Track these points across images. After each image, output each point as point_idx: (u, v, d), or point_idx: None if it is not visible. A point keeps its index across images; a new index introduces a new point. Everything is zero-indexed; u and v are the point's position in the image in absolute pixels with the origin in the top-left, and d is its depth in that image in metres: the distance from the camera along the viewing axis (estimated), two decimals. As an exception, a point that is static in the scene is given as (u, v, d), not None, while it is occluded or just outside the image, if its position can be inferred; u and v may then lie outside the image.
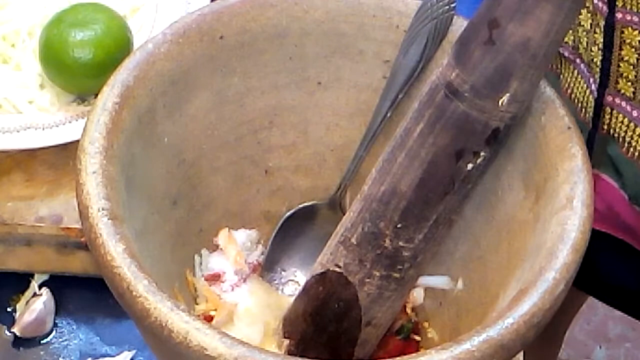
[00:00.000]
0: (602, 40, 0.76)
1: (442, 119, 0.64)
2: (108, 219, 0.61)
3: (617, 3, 0.73)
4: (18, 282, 0.84)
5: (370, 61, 0.76)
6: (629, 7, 0.72)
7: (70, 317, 0.83)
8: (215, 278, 0.76)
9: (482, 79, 0.62)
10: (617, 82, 0.77)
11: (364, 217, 0.68)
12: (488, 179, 0.70)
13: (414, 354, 0.56)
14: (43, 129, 0.86)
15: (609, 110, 0.79)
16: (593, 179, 0.65)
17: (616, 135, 0.79)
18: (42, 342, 0.82)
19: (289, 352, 0.73)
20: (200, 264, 0.77)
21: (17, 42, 0.92)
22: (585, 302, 1.28)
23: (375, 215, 0.67)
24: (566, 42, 0.82)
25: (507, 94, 0.62)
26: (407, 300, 0.76)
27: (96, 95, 0.68)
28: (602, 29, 0.75)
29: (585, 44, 0.79)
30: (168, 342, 0.56)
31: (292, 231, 0.79)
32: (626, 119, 0.78)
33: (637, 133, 0.78)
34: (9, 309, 0.83)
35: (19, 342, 0.81)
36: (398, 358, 0.56)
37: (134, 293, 0.58)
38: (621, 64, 0.75)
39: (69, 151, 0.84)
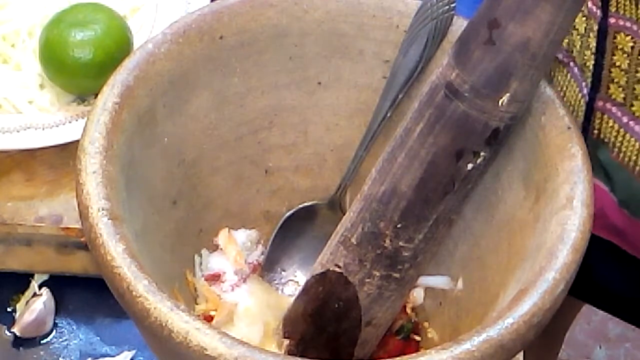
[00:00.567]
0: (595, 44, 0.76)
1: (442, 119, 0.64)
2: (108, 219, 0.61)
3: (610, 8, 0.73)
4: (18, 282, 0.84)
5: (370, 61, 0.76)
6: (622, 12, 0.72)
7: (70, 317, 0.83)
8: (215, 278, 0.76)
9: (482, 79, 0.62)
10: (608, 88, 0.77)
11: (364, 217, 0.68)
12: (488, 179, 0.70)
13: (414, 354, 0.56)
14: (43, 129, 0.86)
15: (600, 115, 0.79)
16: None
17: (606, 140, 0.79)
18: (42, 342, 0.82)
19: (289, 352, 0.73)
20: (200, 264, 0.77)
21: (17, 42, 0.92)
22: (585, 303, 1.28)
23: (375, 215, 0.67)
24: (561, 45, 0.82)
25: (507, 94, 0.62)
26: (407, 300, 0.76)
27: (96, 95, 0.68)
28: (596, 34, 0.75)
29: (579, 47, 0.79)
30: (168, 342, 0.56)
31: (292, 231, 0.79)
32: (616, 125, 0.78)
33: (627, 139, 0.77)
34: (9, 309, 0.83)
35: (19, 342, 0.81)
36: (398, 358, 0.56)
37: (134, 293, 0.58)
38: (613, 70, 0.75)
39: (69, 151, 0.84)
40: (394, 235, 0.67)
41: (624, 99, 0.76)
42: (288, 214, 0.79)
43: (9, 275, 0.84)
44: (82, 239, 0.80)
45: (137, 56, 0.70)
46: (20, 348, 0.81)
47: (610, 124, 0.78)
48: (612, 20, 0.73)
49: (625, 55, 0.74)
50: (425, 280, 0.76)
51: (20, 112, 0.88)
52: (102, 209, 0.61)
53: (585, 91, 0.79)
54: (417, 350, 0.76)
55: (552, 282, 0.59)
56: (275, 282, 0.79)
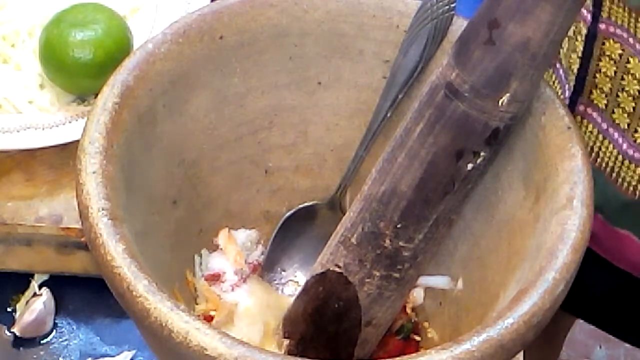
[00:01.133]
0: (581, 48, 0.75)
1: (442, 119, 0.64)
2: (108, 219, 0.61)
3: (602, 14, 0.72)
4: (18, 282, 0.84)
5: (370, 61, 0.76)
6: (613, 19, 0.72)
7: (70, 317, 0.83)
8: (215, 278, 0.76)
9: (482, 79, 0.62)
10: (591, 93, 0.76)
11: (364, 217, 0.68)
12: (488, 179, 0.70)
13: (414, 354, 0.56)
14: (43, 129, 0.86)
15: (580, 119, 0.79)
16: None
17: (587, 145, 0.79)
18: (42, 342, 0.82)
19: (289, 352, 0.73)
20: (200, 264, 0.77)
21: (17, 42, 0.92)
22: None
23: (375, 215, 0.67)
24: None
25: (507, 94, 0.62)
26: (407, 300, 0.76)
27: (96, 95, 0.68)
28: (584, 38, 0.75)
29: (565, 49, 0.78)
30: (168, 342, 0.56)
31: (292, 231, 0.79)
32: (596, 130, 0.78)
33: (605, 145, 0.77)
34: (9, 309, 0.83)
35: (19, 342, 0.81)
36: (398, 358, 0.56)
37: (134, 293, 0.58)
38: (598, 75, 0.75)
39: (69, 151, 0.84)
40: (394, 235, 0.67)
41: (606, 105, 0.76)
42: (288, 214, 0.79)
43: (9, 275, 0.84)
44: (82, 239, 0.80)
45: (137, 56, 0.70)
46: (20, 348, 0.81)
47: (590, 129, 0.78)
48: (602, 26, 0.73)
49: (612, 62, 0.73)
50: (425, 280, 0.76)
51: (20, 112, 0.88)
52: (102, 209, 0.61)
53: (567, 94, 0.79)
54: (417, 350, 0.76)
55: (552, 282, 0.59)
56: (275, 282, 0.79)
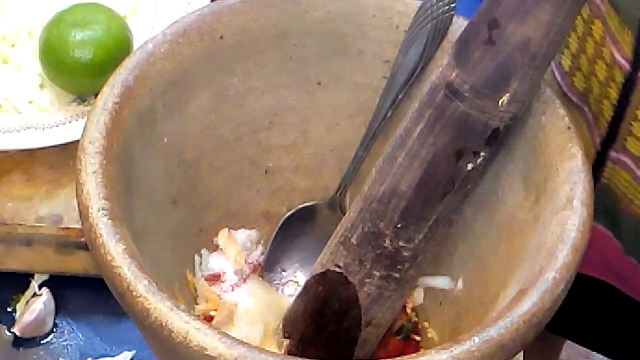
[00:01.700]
0: (616, 95, 0.74)
1: (442, 119, 0.64)
2: (108, 219, 0.61)
3: None
4: (18, 282, 0.84)
5: (370, 61, 0.76)
6: None
7: (70, 317, 0.83)
8: (215, 278, 0.76)
9: (482, 79, 0.62)
10: (625, 140, 0.75)
11: (364, 217, 0.68)
12: (488, 179, 0.70)
13: (414, 354, 0.56)
14: (43, 129, 0.86)
15: (611, 165, 0.77)
16: None
17: (616, 189, 0.78)
18: (42, 342, 0.82)
19: (289, 352, 0.73)
20: (200, 264, 0.77)
21: (17, 42, 0.92)
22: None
23: (375, 215, 0.67)
24: (576, 88, 0.80)
25: (507, 94, 0.62)
26: (407, 300, 0.76)
27: (96, 95, 0.68)
28: (620, 85, 0.73)
29: (596, 95, 0.77)
30: (168, 342, 0.56)
31: (292, 231, 0.79)
32: (629, 176, 0.76)
33: (639, 190, 0.76)
34: (9, 309, 0.83)
35: (19, 342, 0.81)
36: (398, 358, 0.56)
37: (134, 293, 0.58)
38: (634, 123, 0.73)
39: (69, 151, 0.84)
40: (394, 235, 0.67)
41: None
42: (288, 214, 0.79)
43: (9, 275, 0.84)
44: (82, 239, 0.80)
45: (137, 56, 0.70)
46: (20, 348, 0.81)
47: (623, 175, 0.77)
48: None
49: None
50: (425, 280, 0.76)
51: (20, 112, 0.88)
52: (102, 209, 0.61)
53: (597, 139, 0.77)
54: (417, 350, 0.76)
55: (552, 282, 0.59)
56: (275, 282, 0.79)
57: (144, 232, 0.66)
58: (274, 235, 0.79)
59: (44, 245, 0.83)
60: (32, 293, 0.83)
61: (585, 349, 1.06)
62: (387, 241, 0.67)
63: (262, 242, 0.80)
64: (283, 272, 0.80)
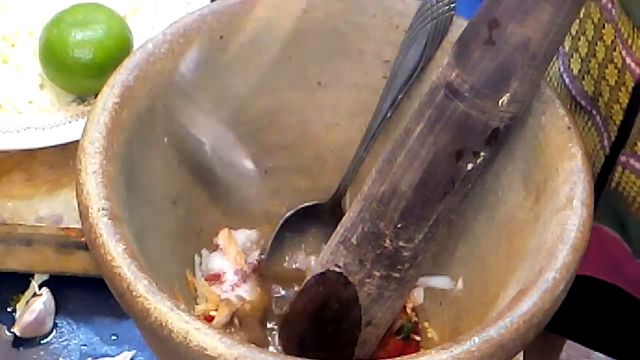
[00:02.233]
0: (626, 100, 0.73)
1: (442, 119, 0.64)
2: (108, 219, 0.61)
3: None
4: (18, 282, 0.84)
5: (370, 61, 0.76)
6: None
7: (70, 317, 0.83)
8: (215, 278, 0.76)
9: (482, 79, 0.62)
10: (635, 144, 0.75)
11: (364, 217, 0.68)
12: (488, 179, 0.70)
13: (414, 354, 0.57)
14: (43, 129, 0.86)
15: (621, 170, 0.77)
16: (593, 230, 0.63)
17: (626, 194, 0.77)
18: (42, 342, 0.82)
19: (289, 352, 0.73)
20: (200, 264, 0.77)
21: (17, 42, 0.92)
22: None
23: (375, 215, 0.67)
24: (585, 91, 0.79)
25: (507, 94, 0.62)
26: (407, 300, 0.76)
27: (96, 95, 0.68)
28: (630, 90, 0.73)
29: (606, 99, 0.76)
30: (168, 342, 0.56)
31: (292, 231, 0.79)
32: (639, 181, 0.76)
33: None
34: (9, 309, 0.83)
35: (19, 342, 0.81)
36: (398, 358, 0.56)
37: (134, 293, 0.58)
38: None
39: (69, 151, 0.84)
40: (394, 235, 0.67)
41: None
42: (288, 214, 0.79)
43: (9, 275, 0.84)
44: (82, 239, 0.80)
45: (137, 56, 0.70)
46: (20, 348, 0.81)
47: (633, 179, 0.76)
48: None
49: None
50: (425, 280, 0.76)
51: (20, 112, 0.88)
52: (102, 209, 0.61)
53: (606, 143, 0.77)
54: (417, 350, 0.75)
55: (552, 282, 0.59)
56: (275, 281, 0.79)
57: (144, 232, 0.66)
58: (273, 235, 0.79)
59: (44, 245, 0.83)
60: (32, 293, 0.83)
61: (585, 348, 1.06)
62: (387, 241, 0.67)
63: (262, 242, 0.80)
64: (283, 272, 0.80)
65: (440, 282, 0.76)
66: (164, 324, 0.56)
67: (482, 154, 0.64)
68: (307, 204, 0.79)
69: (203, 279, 0.76)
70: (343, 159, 0.77)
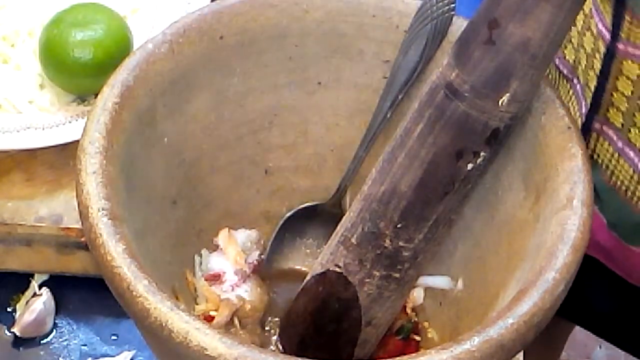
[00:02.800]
0: (599, 66, 0.74)
1: (442, 119, 0.64)
2: (108, 219, 0.61)
3: (621, 34, 0.71)
4: (18, 282, 0.84)
5: (370, 61, 0.76)
6: (632, 40, 0.70)
7: (70, 317, 0.83)
8: (215, 278, 0.76)
9: (482, 79, 0.62)
10: (607, 111, 0.75)
11: (364, 217, 0.68)
12: (488, 179, 0.70)
13: (414, 354, 0.57)
14: (43, 129, 0.86)
15: (596, 137, 0.78)
16: None
17: (600, 161, 0.78)
18: (42, 342, 0.82)
19: (289, 352, 0.73)
20: (200, 264, 0.77)
21: (17, 42, 0.92)
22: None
23: (375, 215, 0.67)
24: (567, 60, 0.80)
25: (507, 94, 0.62)
26: (407, 300, 0.76)
27: (96, 95, 0.68)
28: (602, 56, 0.74)
29: (584, 66, 0.77)
30: (168, 342, 0.56)
31: (292, 231, 0.79)
32: (611, 148, 0.77)
33: (620, 163, 0.76)
34: (9, 309, 0.83)
35: (19, 342, 0.81)
36: (398, 358, 0.56)
37: (134, 293, 0.58)
38: (614, 94, 0.74)
39: (69, 151, 0.84)
40: (394, 235, 0.67)
41: (622, 124, 0.75)
42: (288, 214, 0.79)
43: (9, 275, 0.84)
44: (82, 239, 0.80)
45: (137, 56, 0.70)
46: (20, 348, 0.81)
47: (605, 147, 0.77)
48: (620, 46, 0.71)
49: (630, 82, 0.72)
50: (425, 280, 0.76)
51: (20, 112, 0.88)
52: (102, 209, 0.61)
53: (583, 110, 0.78)
54: (417, 350, 0.76)
55: (552, 282, 0.59)
56: (275, 281, 0.79)
57: (144, 232, 0.66)
58: (274, 235, 0.79)
59: (44, 245, 0.83)
60: (32, 293, 0.83)
61: (585, 349, 1.06)
62: (387, 241, 0.67)
63: (262, 242, 0.80)
64: (283, 272, 0.80)
65: (440, 282, 0.76)
66: (164, 324, 0.56)
67: (482, 154, 0.64)
68: (307, 204, 0.79)
69: (203, 279, 0.76)
70: (343, 159, 0.77)
